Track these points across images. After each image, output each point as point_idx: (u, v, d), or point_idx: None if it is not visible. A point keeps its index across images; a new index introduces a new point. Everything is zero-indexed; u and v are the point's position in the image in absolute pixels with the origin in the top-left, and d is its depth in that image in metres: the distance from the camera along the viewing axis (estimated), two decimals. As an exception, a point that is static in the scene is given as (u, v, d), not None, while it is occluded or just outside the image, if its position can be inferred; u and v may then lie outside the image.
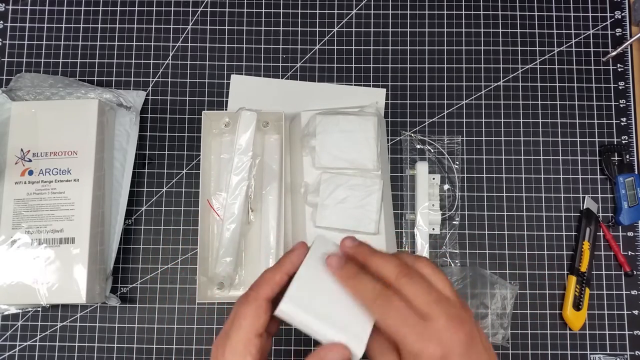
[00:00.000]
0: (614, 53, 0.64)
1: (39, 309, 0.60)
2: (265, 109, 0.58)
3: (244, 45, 0.65)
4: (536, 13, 0.66)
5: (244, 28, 0.66)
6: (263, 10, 0.66)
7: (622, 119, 0.64)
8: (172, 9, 0.66)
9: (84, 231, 0.55)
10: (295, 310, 0.35)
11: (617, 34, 0.66)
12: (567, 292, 0.59)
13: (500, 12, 0.66)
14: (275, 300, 0.36)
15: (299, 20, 0.66)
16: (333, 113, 0.59)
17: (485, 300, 0.59)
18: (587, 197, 0.62)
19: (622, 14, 0.66)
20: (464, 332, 0.32)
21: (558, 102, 0.64)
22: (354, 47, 0.65)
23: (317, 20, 0.66)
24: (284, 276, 0.37)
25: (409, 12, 0.66)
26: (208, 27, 0.66)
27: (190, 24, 0.66)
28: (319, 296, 0.36)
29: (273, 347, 0.59)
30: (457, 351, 0.32)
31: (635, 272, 0.61)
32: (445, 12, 0.66)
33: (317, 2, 0.66)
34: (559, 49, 0.65)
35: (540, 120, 0.64)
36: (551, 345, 0.59)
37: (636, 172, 0.62)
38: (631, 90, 0.64)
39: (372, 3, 0.66)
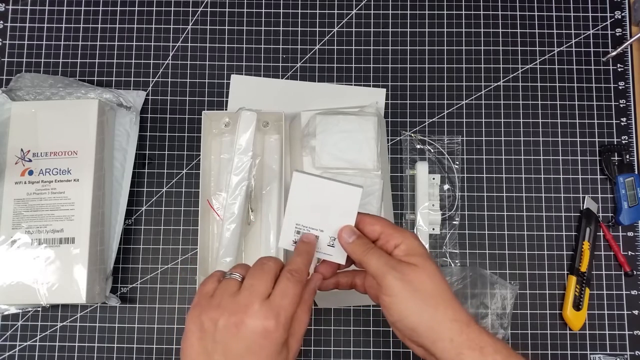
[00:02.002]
0: (614, 53, 0.64)
1: (39, 309, 0.60)
2: (265, 109, 0.58)
3: (244, 45, 0.65)
4: (536, 13, 0.66)
5: (244, 28, 0.66)
6: (263, 10, 0.66)
7: (622, 119, 0.64)
8: (172, 9, 0.66)
9: (84, 231, 0.55)
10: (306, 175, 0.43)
11: (617, 34, 0.66)
12: (567, 292, 0.59)
13: (500, 12, 0.66)
14: None
15: (299, 20, 0.66)
16: (333, 113, 0.59)
17: (485, 300, 0.59)
18: (587, 197, 0.62)
19: (622, 14, 0.66)
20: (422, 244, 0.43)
21: (558, 102, 0.64)
22: (354, 47, 0.65)
23: (317, 20, 0.66)
24: (309, 264, 0.43)
25: (409, 12, 0.66)
26: (208, 27, 0.66)
27: (190, 24, 0.66)
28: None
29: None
30: (420, 247, 0.42)
31: (635, 272, 0.61)
32: (445, 12, 0.66)
33: (317, 2, 0.66)
34: (559, 49, 0.65)
35: (540, 120, 0.64)
36: (551, 345, 0.59)
37: (636, 172, 0.62)
38: (631, 90, 0.64)
39: (372, 3, 0.66)
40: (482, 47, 0.65)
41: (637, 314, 0.60)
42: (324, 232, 0.43)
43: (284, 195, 0.58)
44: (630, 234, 0.62)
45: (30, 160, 0.57)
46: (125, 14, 0.66)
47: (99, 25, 0.66)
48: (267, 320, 0.37)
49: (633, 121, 0.64)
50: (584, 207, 0.62)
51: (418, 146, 0.63)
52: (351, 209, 0.43)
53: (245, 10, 0.66)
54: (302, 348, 0.59)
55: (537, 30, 0.66)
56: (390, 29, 0.66)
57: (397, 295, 0.39)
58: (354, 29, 0.66)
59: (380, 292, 0.41)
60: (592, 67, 0.65)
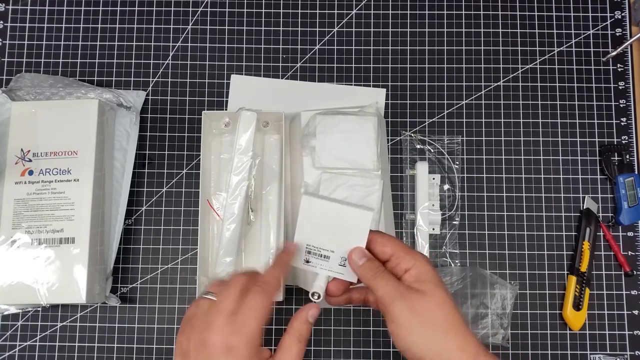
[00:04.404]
0: (614, 53, 0.64)
1: (39, 309, 0.60)
2: (265, 109, 0.58)
3: (244, 45, 0.65)
4: (536, 13, 0.66)
5: (244, 28, 0.66)
6: (263, 10, 0.66)
7: (622, 119, 0.64)
8: (172, 9, 0.66)
9: (84, 231, 0.55)
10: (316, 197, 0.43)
11: (617, 34, 0.66)
12: (567, 292, 0.59)
13: (500, 12, 0.66)
14: None
15: (299, 20, 0.66)
16: (333, 113, 0.59)
17: (485, 300, 0.59)
18: (587, 197, 0.62)
19: (622, 14, 0.66)
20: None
21: (558, 102, 0.64)
22: (354, 47, 0.65)
23: (317, 20, 0.66)
24: (284, 275, 0.43)
25: (409, 12, 0.66)
26: (208, 27, 0.66)
27: (190, 24, 0.66)
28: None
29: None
30: (432, 272, 0.41)
31: (635, 272, 0.61)
32: (445, 12, 0.66)
33: (317, 2, 0.66)
34: (559, 49, 0.65)
35: (540, 120, 0.64)
36: (551, 345, 0.59)
37: (636, 172, 0.62)
38: (631, 90, 0.64)
39: (372, 3, 0.66)
40: (482, 47, 0.65)
41: (637, 314, 0.60)
42: (335, 253, 0.43)
43: (284, 196, 0.58)
44: (630, 234, 0.62)
45: (30, 160, 0.57)
46: (125, 14, 0.66)
47: (99, 25, 0.66)
48: (230, 336, 0.37)
49: (633, 121, 0.64)
50: (584, 207, 0.62)
51: (418, 146, 0.63)
52: (361, 231, 0.42)
53: (245, 10, 0.66)
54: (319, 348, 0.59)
55: (537, 30, 0.66)
56: (390, 29, 0.66)
57: (404, 325, 0.39)
58: (354, 29, 0.66)
59: (388, 320, 0.40)
60: (592, 67, 0.65)
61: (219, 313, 0.38)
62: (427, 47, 0.65)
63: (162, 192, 0.63)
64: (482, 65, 0.65)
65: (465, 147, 0.63)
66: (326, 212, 0.42)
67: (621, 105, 0.64)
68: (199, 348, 0.37)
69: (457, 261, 0.61)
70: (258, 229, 0.59)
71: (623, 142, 0.63)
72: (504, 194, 0.62)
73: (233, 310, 0.38)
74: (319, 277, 0.43)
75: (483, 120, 0.64)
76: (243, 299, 0.38)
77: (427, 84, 0.64)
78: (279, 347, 0.39)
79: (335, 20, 0.66)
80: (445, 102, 0.64)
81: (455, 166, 0.62)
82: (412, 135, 0.63)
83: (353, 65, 0.65)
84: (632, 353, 0.59)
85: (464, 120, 0.64)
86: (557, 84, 0.65)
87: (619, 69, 0.65)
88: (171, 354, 0.59)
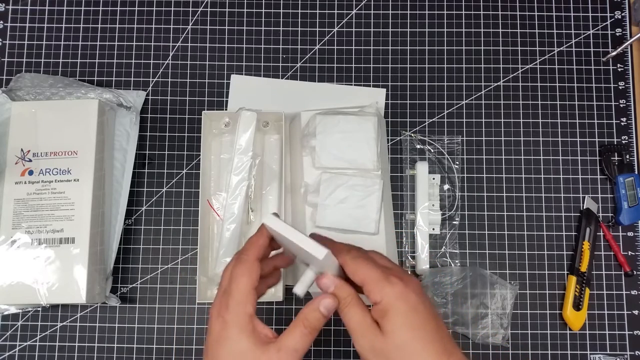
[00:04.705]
0: (614, 53, 0.64)
1: (39, 309, 0.60)
2: (265, 109, 0.58)
3: (244, 45, 0.65)
4: (536, 13, 0.66)
5: (244, 28, 0.66)
6: (263, 10, 0.66)
7: (622, 119, 0.64)
8: (172, 9, 0.66)
9: (84, 231, 0.55)
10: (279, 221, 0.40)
11: (617, 34, 0.66)
12: (567, 292, 0.59)
13: (500, 12, 0.66)
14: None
15: (299, 20, 0.66)
16: (333, 113, 0.59)
17: (485, 300, 0.59)
18: (587, 197, 0.62)
19: (622, 14, 0.66)
20: (417, 280, 0.40)
21: (558, 102, 0.64)
22: (354, 47, 0.65)
23: (317, 20, 0.66)
24: (266, 239, 0.42)
25: (409, 12, 0.66)
26: (208, 27, 0.66)
27: (190, 24, 0.66)
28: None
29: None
30: (413, 288, 0.38)
31: (635, 272, 0.61)
32: (445, 12, 0.66)
33: (317, 2, 0.66)
34: (559, 49, 0.65)
35: (540, 120, 0.64)
36: (551, 345, 0.59)
37: (636, 172, 0.62)
38: (631, 90, 0.64)
39: (372, 3, 0.66)
40: (482, 47, 0.65)
41: (637, 314, 0.60)
42: (311, 265, 0.41)
43: (284, 196, 0.58)
44: (630, 234, 0.62)
45: (30, 160, 0.57)
46: (125, 14, 0.66)
47: (99, 25, 0.66)
48: (221, 307, 0.39)
49: (633, 121, 0.64)
50: (584, 207, 0.62)
51: (418, 146, 0.63)
52: (322, 268, 0.39)
53: (245, 10, 0.66)
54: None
55: (537, 30, 0.66)
56: (390, 29, 0.66)
57: None
58: (354, 29, 0.66)
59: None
60: (592, 67, 0.65)
61: (219, 291, 0.41)
62: (427, 47, 0.65)
63: (162, 192, 0.63)
64: (482, 65, 0.65)
65: (465, 147, 0.63)
66: (286, 238, 0.39)
67: (621, 105, 0.64)
68: (208, 323, 0.41)
69: (457, 261, 0.61)
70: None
71: (623, 142, 0.63)
72: (504, 194, 0.62)
73: (226, 285, 0.40)
74: (304, 275, 0.42)
75: (483, 120, 0.64)
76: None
77: (427, 84, 0.64)
78: (284, 331, 0.39)
79: (335, 20, 0.66)
80: (445, 102, 0.64)
81: (455, 166, 0.62)
82: (412, 135, 0.63)
83: (353, 65, 0.65)
84: (632, 353, 0.59)
85: (464, 120, 0.64)
86: (557, 84, 0.65)
87: (619, 69, 0.65)
88: (171, 354, 0.59)
